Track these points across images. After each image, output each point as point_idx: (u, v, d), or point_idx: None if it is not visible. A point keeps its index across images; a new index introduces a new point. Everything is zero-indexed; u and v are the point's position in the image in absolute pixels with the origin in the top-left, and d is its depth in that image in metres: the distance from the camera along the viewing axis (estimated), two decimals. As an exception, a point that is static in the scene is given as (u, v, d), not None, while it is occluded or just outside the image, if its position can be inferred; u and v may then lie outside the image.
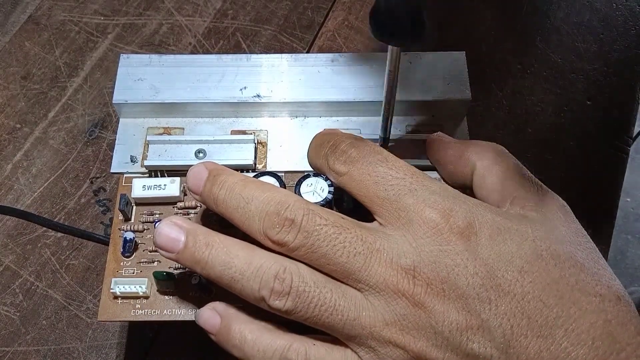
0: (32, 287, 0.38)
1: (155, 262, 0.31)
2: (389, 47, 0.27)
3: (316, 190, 0.29)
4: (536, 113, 0.44)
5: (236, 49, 0.47)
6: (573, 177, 0.41)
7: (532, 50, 0.48)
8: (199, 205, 0.32)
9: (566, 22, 0.50)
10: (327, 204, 0.28)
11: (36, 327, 0.37)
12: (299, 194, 0.28)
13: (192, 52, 0.47)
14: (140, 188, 0.31)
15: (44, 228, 0.40)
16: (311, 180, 0.29)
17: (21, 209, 0.41)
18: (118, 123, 0.35)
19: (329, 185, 0.29)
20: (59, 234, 0.40)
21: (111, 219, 0.40)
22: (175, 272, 0.30)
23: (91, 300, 0.38)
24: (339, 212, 0.26)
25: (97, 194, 0.41)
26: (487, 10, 0.50)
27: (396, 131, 0.34)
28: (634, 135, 0.43)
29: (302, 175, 0.29)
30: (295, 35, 0.48)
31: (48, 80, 0.46)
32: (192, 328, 0.37)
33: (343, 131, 0.29)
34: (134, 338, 0.36)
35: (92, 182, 0.42)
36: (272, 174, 0.29)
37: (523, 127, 0.44)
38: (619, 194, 0.41)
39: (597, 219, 0.40)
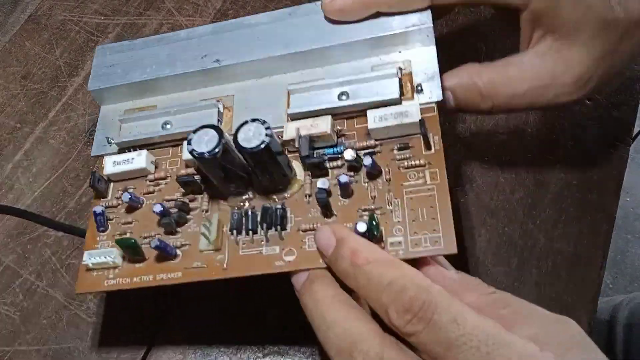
0: (33, 287, 0.38)
1: (128, 233, 0.32)
2: None
3: (255, 136, 0.27)
4: (536, 113, 0.44)
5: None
6: (573, 177, 0.41)
7: (532, 50, 0.48)
8: (168, 175, 0.33)
9: (566, 22, 0.49)
10: (266, 147, 0.27)
11: (37, 327, 0.37)
12: (238, 142, 0.27)
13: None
14: (111, 164, 0.32)
15: (45, 227, 0.40)
16: (250, 126, 0.27)
17: (22, 208, 0.41)
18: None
19: (266, 129, 0.27)
20: (60, 234, 0.40)
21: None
22: (139, 239, 0.31)
23: (91, 300, 0.38)
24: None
25: (97, 193, 0.41)
26: (487, 10, 0.50)
27: (361, 73, 0.32)
28: (634, 135, 0.43)
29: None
30: (296, 35, 0.48)
31: (48, 80, 0.46)
32: (193, 330, 0.37)
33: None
34: (135, 338, 0.36)
35: (92, 182, 0.42)
36: (212, 126, 0.28)
37: (523, 127, 0.44)
38: (619, 194, 0.41)
39: (597, 219, 0.40)
